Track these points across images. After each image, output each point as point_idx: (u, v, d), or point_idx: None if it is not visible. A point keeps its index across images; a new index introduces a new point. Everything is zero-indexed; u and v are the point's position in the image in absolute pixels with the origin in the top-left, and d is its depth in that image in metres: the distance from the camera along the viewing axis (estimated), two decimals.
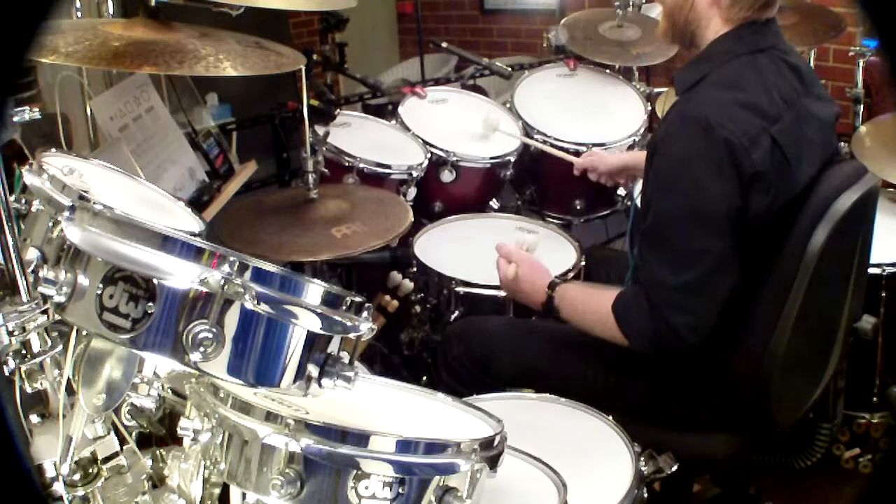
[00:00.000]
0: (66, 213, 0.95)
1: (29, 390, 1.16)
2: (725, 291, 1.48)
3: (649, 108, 2.83)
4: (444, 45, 3.18)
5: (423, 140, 2.59)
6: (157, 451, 1.23)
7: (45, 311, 1.10)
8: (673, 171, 1.48)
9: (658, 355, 1.53)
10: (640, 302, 1.51)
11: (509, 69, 3.00)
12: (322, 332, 0.93)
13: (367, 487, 0.91)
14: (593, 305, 1.62)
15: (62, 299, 0.93)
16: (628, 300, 1.54)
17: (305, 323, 0.92)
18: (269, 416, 0.92)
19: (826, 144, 1.56)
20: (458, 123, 2.74)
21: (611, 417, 1.49)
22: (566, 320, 1.68)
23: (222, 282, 0.88)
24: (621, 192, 2.62)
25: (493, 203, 2.65)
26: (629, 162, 2.22)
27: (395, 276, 2.38)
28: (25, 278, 1.11)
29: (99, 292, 0.91)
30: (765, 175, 1.43)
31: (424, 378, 2.23)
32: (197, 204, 2.16)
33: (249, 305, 0.89)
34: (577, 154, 2.54)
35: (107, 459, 1.12)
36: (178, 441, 1.08)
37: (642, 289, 1.52)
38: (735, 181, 1.42)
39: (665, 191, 1.50)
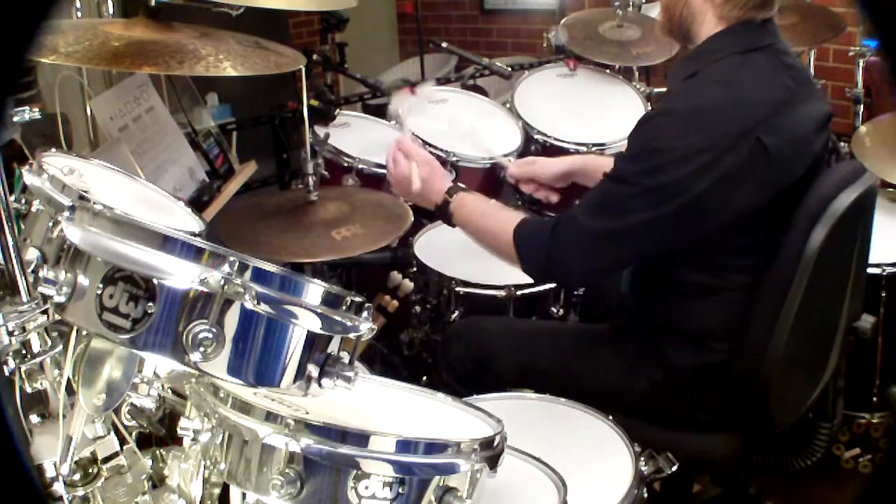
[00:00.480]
0: (66, 213, 0.95)
1: (29, 390, 1.16)
2: (628, 256, 1.53)
3: (649, 107, 2.83)
4: (444, 45, 3.18)
5: (422, 140, 2.59)
6: (157, 451, 1.23)
7: (45, 311, 1.10)
8: (645, 144, 1.48)
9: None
10: (543, 230, 1.53)
11: (509, 69, 3.00)
12: (322, 332, 0.93)
13: (367, 487, 0.91)
14: (493, 219, 1.64)
15: (62, 299, 0.93)
16: (534, 226, 1.56)
17: (305, 323, 0.92)
18: (269, 416, 0.92)
19: (816, 145, 1.55)
20: (457, 123, 2.74)
21: (611, 417, 1.49)
22: (458, 226, 1.70)
23: (222, 282, 0.88)
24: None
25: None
26: (573, 167, 2.00)
27: (395, 276, 2.38)
28: (25, 278, 1.11)
29: (99, 292, 0.91)
30: (742, 174, 1.42)
31: (424, 378, 2.23)
32: (197, 204, 2.16)
33: (249, 305, 0.89)
34: (578, 154, 2.54)
35: (107, 459, 1.12)
36: (178, 441, 1.08)
37: (555, 221, 1.53)
38: (707, 176, 1.41)
39: (631, 157, 1.50)
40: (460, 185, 1.73)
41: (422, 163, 1.75)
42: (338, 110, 2.41)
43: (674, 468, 1.39)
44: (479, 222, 1.67)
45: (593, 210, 1.50)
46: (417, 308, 2.25)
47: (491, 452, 0.99)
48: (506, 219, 1.61)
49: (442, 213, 1.71)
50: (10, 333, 1.08)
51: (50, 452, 1.10)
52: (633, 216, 1.45)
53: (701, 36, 1.55)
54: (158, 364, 1.06)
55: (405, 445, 0.92)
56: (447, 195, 1.70)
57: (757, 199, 1.46)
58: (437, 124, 2.63)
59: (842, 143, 2.76)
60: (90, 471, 1.11)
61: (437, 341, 2.14)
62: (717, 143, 1.41)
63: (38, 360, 1.13)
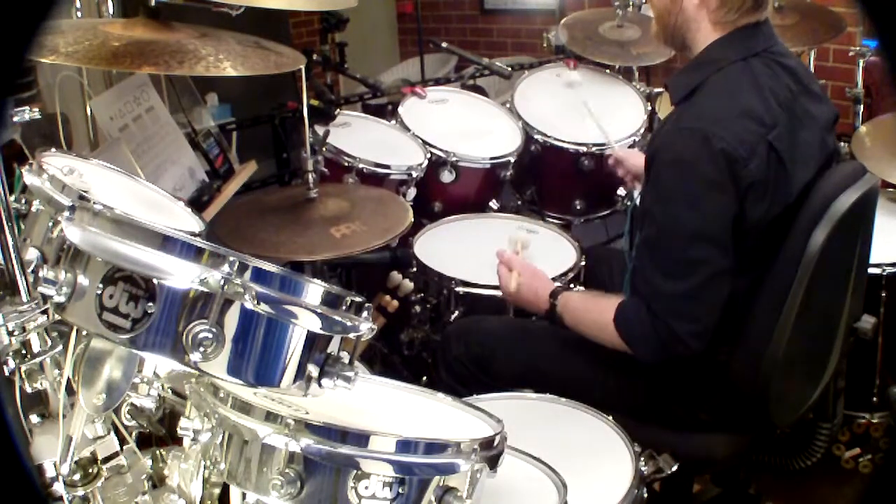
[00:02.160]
0: (66, 213, 0.95)
1: (29, 390, 1.16)
2: (723, 297, 1.49)
3: (649, 108, 2.84)
4: (444, 45, 3.18)
5: (422, 140, 2.59)
6: (157, 451, 1.22)
7: (45, 311, 1.10)
8: (670, 182, 1.49)
9: (663, 362, 1.54)
10: (640, 312, 1.52)
11: (509, 69, 3.01)
12: (322, 332, 0.93)
13: (367, 487, 0.91)
14: (594, 315, 1.63)
15: (62, 299, 0.93)
16: (628, 311, 1.55)
17: (305, 323, 0.92)
18: (269, 416, 0.92)
19: (824, 146, 1.56)
20: (458, 123, 2.74)
21: (611, 417, 1.49)
22: (569, 328, 1.69)
23: (222, 282, 0.88)
24: (621, 192, 2.62)
25: (493, 203, 2.64)
26: None
27: (395, 276, 2.38)
28: (25, 278, 1.11)
29: (99, 292, 0.91)
30: (762, 183, 1.43)
31: (424, 378, 2.23)
32: (197, 204, 2.16)
33: (249, 305, 0.89)
34: (578, 154, 2.54)
35: (107, 459, 1.12)
36: (178, 441, 1.08)
37: (641, 298, 1.53)
38: (732, 191, 1.43)
39: (663, 201, 1.51)
40: (559, 285, 1.76)
41: (523, 272, 1.79)
42: (338, 110, 2.41)
43: (674, 468, 1.39)
44: (584, 321, 1.67)
45: (663, 275, 1.50)
46: (417, 308, 2.25)
47: (491, 452, 0.99)
48: (606, 310, 1.59)
49: (552, 318, 1.73)
50: (10, 333, 1.08)
51: (50, 452, 1.10)
52: (705, 265, 1.46)
53: (698, 43, 1.55)
54: (158, 364, 1.06)
55: (405, 445, 0.92)
56: (552, 299, 1.71)
57: (776, 208, 1.47)
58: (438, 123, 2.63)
59: (842, 143, 2.75)
60: (90, 471, 1.11)
61: (437, 341, 2.14)
62: (737, 154, 1.41)
63: (38, 360, 1.13)
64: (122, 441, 1.15)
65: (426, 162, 2.51)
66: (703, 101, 1.50)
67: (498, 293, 2.04)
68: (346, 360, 0.96)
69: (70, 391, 1.06)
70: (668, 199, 1.49)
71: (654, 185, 1.53)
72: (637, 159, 2.22)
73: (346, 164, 2.39)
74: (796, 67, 1.56)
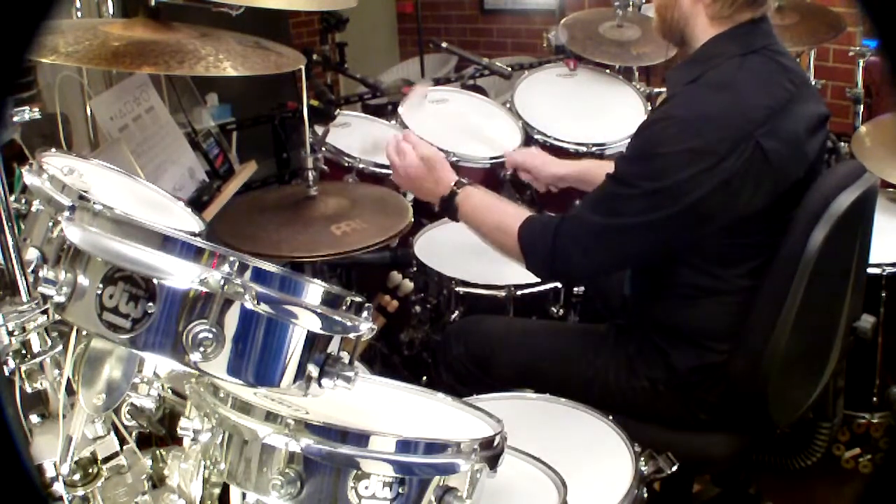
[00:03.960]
0: (66, 213, 0.95)
1: (29, 390, 1.16)
2: (631, 255, 1.53)
3: (649, 108, 2.83)
4: (444, 45, 3.18)
5: (422, 139, 2.58)
6: (157, 451, 1.22)
7: (45, 311, 1.10)
8: (646, 148, 1.49)
9: (548, 279, 1.60)
10: (549, 228, 1.54)
11: (509, 69, 3.00)
12: (322, 332, 0.93)
13: (367, 487, 0.91)
14: (497, 216, 1.65)
15: (62, 299, 0.93)
16: (538, 224, 1.58)
17: (305, 323, 0.92)
18: (269, 416, 0.92)
19: (814, 146, 1.55)
20: (458, 123, 2.74)
21: (611, 417, 1.49)
22: (462, 220, 1.71)
23: (222, 282, 0.88)
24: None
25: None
26: (573, 173, 2.08)
27: (395, 276, 2.38)
28: (25, 278, 1.11)
29: (99, 292, 0.91)
30: (742, 178, 1.42)
31: (424, 378, 2.23)
32: (197, 204, 2.16)
33: (249, 305, 0.89)
34: (577, 154, 2.54)
35: (107, 459, 1.12)
36: (178, 441, 1.08)
37: (559, 219, 1.55)
38: (707, 180, 1.41)
39: (631, 161, 1.51)
40: (466, 179, 1.74)
41: (428, 154, 1.76)
42: (338, 110, 2.41)
43: (674, 468, 1.39)
44: (484, 217, 1.67)
45: (596, 209, 1.51)
46: (417, 308, 2.25)
47: (491, 452, 0.99)
48: (511, 215, 1.62)
49: (447, 205, 1.72)
50: (10, 333, 1.08)
51: (50, 452, 1.10)
52: (634, 217, 1.46)
53: (696, 38, 1.55)
54: (158, 364, 1.06)
55: (405, 445, 0.92)
56: (454, 187, 1.70)
57: (756, 203, 1.46)
58: (438, 123, 2.63)
59: (842, 143, 2.76)
60: (90, 471, 1.11)
61: (437, 341, 2.14)
62: (718, 148, 1.41)
63: (38, 360, 1.13)
64: (122, 441, 1.15)
65: None
66: (696, 91, 1.50)
67: (498, 293, 2.05)
68: (346, 360, 0.96)
69: (70, 391, 1.06)
70: (637, 159, 1.50)
71: (630, 146, 1.55)
72: (545, 166, 2.11)
73: (346, 164, 2.39)
74: (793, 67, 1.56)
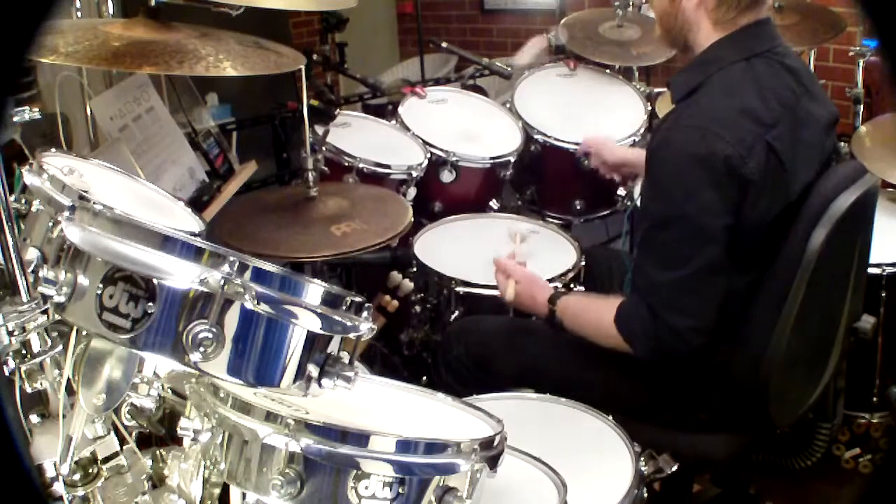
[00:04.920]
0: (66, 213, 0.95)
1: (29, 390, 1.16)
2: (718, 293, 1.49)
3: (649, 108, 2.83)
4: (444, 45, 3.18)
5: (422, 140, 2.59)
6: (157, 451, 1.22)
7: (45, 311, 1.10)
8: (667, 177, 1.49)
9: (664, 360, 1.54)
10: (640, 309, 1.52)
11: (509, 69, 3.00)
12: (322, 332, 0.93)
13: (367, 487, 0.91)
14: (594, 316, 1.63)
15: (62, 299, 0.93)
16: (628, 309, 1.55)
17: (305, 323, 0.92)
18: (269, 416, 0.92)
19: (824, 146, 1.56)
20: (458, 123, 2.74)
21: (611, 417, 1.49)
22: (570, 331, 1.69)
23: (222, 282, 0.88)
24: (621, 192, 2.62)
25: (493, 203, 2.65)
26: (631, 158, 2.21)
27: (395, 276, 2.38)
28: (25, 278, 1.11)
29: (99, 292, 0.91)
30: (760, 183, 1.43)
31: (424, 378, 2.23)
32: (197, 204, 2.16)
33: (249, 305, 0.89)
34: (578, 154, 2.54)
35: (107, 459, 1.12)
36: (178, 441, 1.08)
37: (640, 296, 1.53)
38: (729, 190, 1.43)
39: (658, 196, 1.51)
40: (557, 289, 1.77)
41: (520, 279, 1.80)
42: (338, 110, 2.41)
43: (674, 468, 1.39)
44: (583, 325, 1.67)
45: (660, 266, 1.50)
46: (417, 308, 2.25)
47: (491, 452, 0.99)
48: (604, 312, 1.59)
49: (552, 324, 1.73)
50: (10, 333, 1.08)
51: (50, 452, 1.10)
52: (698, 258, 1.46)
53: (700, 44, 1.55)
54: (158, 364, 1.06)
55: (405, 445, 0.92)
56: (551, 305, 1.72)
57: (775, 207, 1.47)
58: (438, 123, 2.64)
59: (842, 143, 2.75)
60: (90, 471, 1.11)
61: (437, 341, 2.14)
62: (734, 153, 1.41)
63: (38, 360, 1.13)
64: (122, 441, 1.15)
65: (426, 162, 2.51)
66: (703, 99, 1.50)
67: (498, 293, 2.05)
68: (346, 360, 0.96)
69: (70, 391, 1.06)
70: (664, 194, 1.50)
71: (651, 180, 1.54)
72: (613, 149, 2.27)
73: (347, 163, 2.39)
74: (799, 68, 1.56)
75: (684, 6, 1.54)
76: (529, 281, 1.81)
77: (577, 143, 2.58)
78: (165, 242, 0.90)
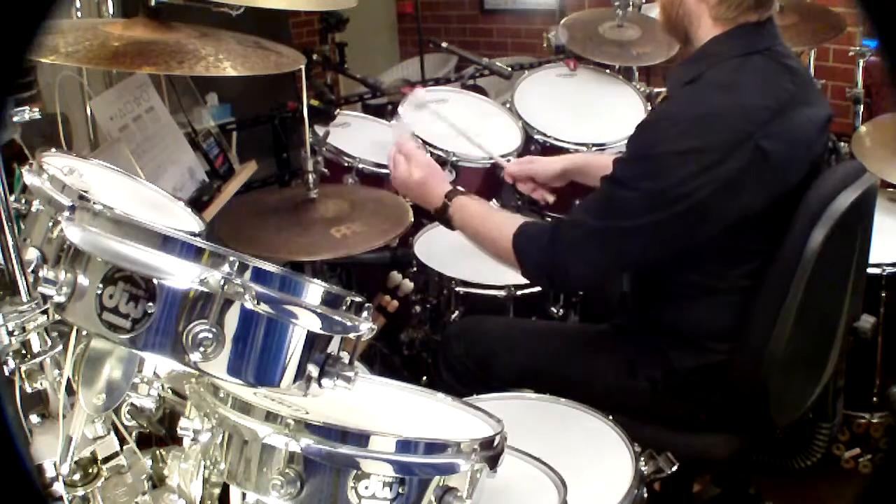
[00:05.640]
0: (66, 213, 0.95)
1: (29, 390, 1.16)
2: (632, 258, 1.51)
3: (649, 108, 2.83)
4: (444, 45, 3.18)
5: (422, 140, 2.58)
6: (157, 451, 1.22)
7: (45, 311, 1.10)
8: (643, 148, 1.49)
9: (543, 286, 1.59)
10: (543, 234, 1.54)
11: (509, 69, 3.00)
12: (322, 332, 0.93)
13: (367, 487, 0.91)
14: (492, 224, 1.64)
15: (62, 299, 0.93)
16: (532, 230, 1.57)
17: (305, 323, 0.92)
18: (269, 416, 0.92)
19: (816, 147, 1.55)
20: (458, 123, 2.74)
21: (611, 417, 1.49)
22: (457, 230, 1.70)
23: (222, 282, 0.88)
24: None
25: (493, 203, 2.64)
26: (571, 166, 2.02)
27: (395, 276, 2.38)
28: (25, 278, 1.11)
29: (99, 292, 0.91)
30: (741, 179, 1.42)
31: (424, 378, 2.23)
32: (197, 204, 2.16)
33: (249, 305, 0.89)
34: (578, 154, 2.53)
35: (107, 459, 1.12)
36: (178, 441, 1.08)
37: (555, 226, 1.54)
38: (705, 181, 1.41)
39: (630, 160, 1.51)
40: (460, 188, 1.73)
41: (420, 165, 1.75)
42: (338, 110, 2.41)
43: (674, 468, 1.39)
44: (478, 227, 1.67)
45: (594, 212, 1.50)
46: (417, 308, 2.25)
47: (491, 452, 0.99)
48: (505, 224, 1.61)
49: (441, 217, 1.72)
50: (10, 333, 1.08)
51: (50, 452, 1.10)
52: (634, 219, 1.45)
53: (699, 38, 1.55)
54: (158, 364, 1.06)
55: (405, 445, 0.92)
56: (446, 199, 1.70)
57: (757, 204, 1.46)
58: (435, 125, 2.63)
59: (842, 143, 2.76)
60: (90, 471, 1.11)
61: (437, 341, 2.14)
62: (717, 149, 1.41)
63: (38, 360, 1.13)
64: (122, 441, 1.15)
65: None
66: (697, 90, 1.50)
67: (498, 293, 2.05)
68: (346, 360, 0.96)
69: (70, 391, 1.06)
70: (634, 160, 1.50)
71: (627, 149, 1.54)
72: (546, 165, 2.03)
73: (347, 164, 2.39)
74: (798, 69, 1.55)
75: None
76: (429, 168, 1.76)
77: (577, 143, 2.58)
78: (165, 242, 0.90)
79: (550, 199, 2.03)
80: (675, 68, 1.61)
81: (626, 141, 2.59)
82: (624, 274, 1.76)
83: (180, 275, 0.88)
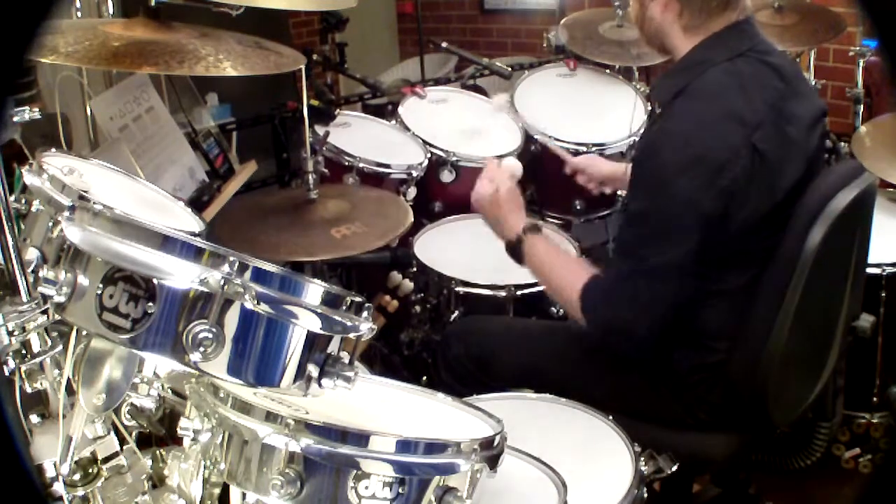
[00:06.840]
0: (66, 213, 0.95)
1: (29, 390, 1.16)
2: (672, 291, 1.50)
3: (649, 108, 2.83)
4: (444, 45, 3.18)
5: (422, 140, 2.59)
6: (157, 451, 1.23)
7: (45, 311, 1.10)
8: (650, 180, 1.50)
9: (607, 345, 1.60)
10: (609, 284, 1.54)
11: (509, 69, 3.01)
12: (322, 332, 0.93)
13: (367, 487, 0.91)
14: (563, 272, 1.64)
15: (62, 299, 0.93)
16: (600, 283, 1.56)
17: (305, 323, 0.92)
18: (269, 416, 0.92)
19: (812, 142, 1.55)
20: (458, 123, 2.74)
21: (611, 417, 1.49)
22: (526, 266, 1.70)
23: (222, 282, 0.88)
24: (621, 192, 2.62)
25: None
26: (618, 173, 2.19)
27: (395, 276, 2.38)
28: (25, 278, 1.11)
29: (99, 292, 0.91)
30: (744, 185, 1.43)
31: (424, 378, 2.23)
32: (197, 204, 2.16)
33: (249, 305, 0.89)
34: (578, 154, 2.54)
35: (107, 459, 1.12)
36: (178, 441, 1.08)
37: (615, 280, 1.54)
38: (713, 193, 1.42)
39: (640, 195, 1.52)
40: (537, 224, 1.74)
41: (504, 192, 1.76)
42: (338, 110, 2.41)
43: (674, 468, 1.39)
44: (549, 275, 1.67)
45: (622, 256, 1.54)
46: (417, 308, 2.25)
47: (491, 452, 0.99)
48: (574, 273, 1.60)
49: (513, 251, 1.72)
50: (10, 333, 1.08)
51: (50, 452, 1.10)
52: (657, 258, 1.47)
53: (679, 48, 1.56)
54: (158, 364, 1.06)
55: (405, 445, 0.92)
56: (521, 234, 1.70)
57: (762, 207, 1.46)
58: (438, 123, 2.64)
59: (842, 143, 2.76)
60: (90, 471, 1.11)
61: (437, 341, 2.14)
62: (718, 157, 1.42)
63: (38, 360, 1.13)
64: (122, 441, 1.15)
65: (426, 162, 2.51)
66: (686, 104, 1.50)
67: (498, 293, 2.05)
68: (346, 360, 0.96)
69: (70, 391, 1.06)
70: (645, 193, 1.51)
71: (634, 182, 1.55)
72: (600, 166, 2.24)
73: (347, 163, 2.39)
74: (782, 65, 1.55)
75: (651, 14, 1.55)
76: (513, 195, 1.76)
77: (577, 143, 2.58)
78: (165, 242, 0.90)
79: (596, 192, 2.27)
80: (661, 79, 1.61)
81: (626, 141, 2.63)
82: None
83: (180, 275, 0.88)
